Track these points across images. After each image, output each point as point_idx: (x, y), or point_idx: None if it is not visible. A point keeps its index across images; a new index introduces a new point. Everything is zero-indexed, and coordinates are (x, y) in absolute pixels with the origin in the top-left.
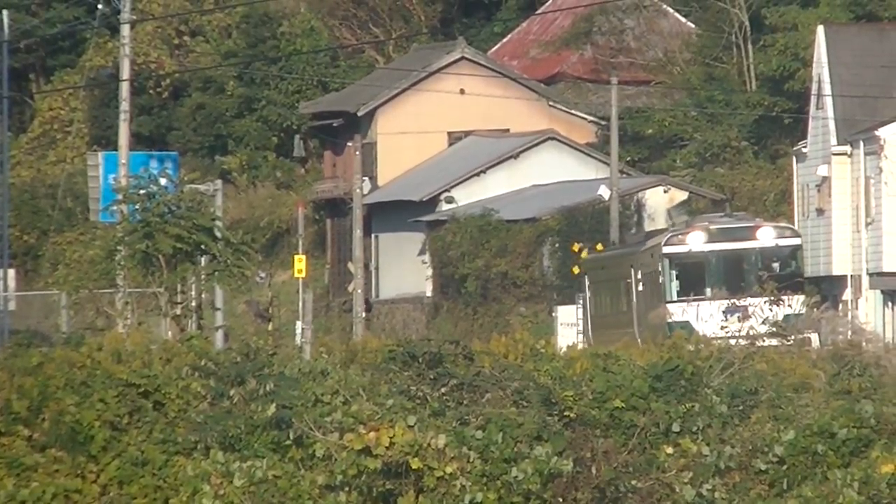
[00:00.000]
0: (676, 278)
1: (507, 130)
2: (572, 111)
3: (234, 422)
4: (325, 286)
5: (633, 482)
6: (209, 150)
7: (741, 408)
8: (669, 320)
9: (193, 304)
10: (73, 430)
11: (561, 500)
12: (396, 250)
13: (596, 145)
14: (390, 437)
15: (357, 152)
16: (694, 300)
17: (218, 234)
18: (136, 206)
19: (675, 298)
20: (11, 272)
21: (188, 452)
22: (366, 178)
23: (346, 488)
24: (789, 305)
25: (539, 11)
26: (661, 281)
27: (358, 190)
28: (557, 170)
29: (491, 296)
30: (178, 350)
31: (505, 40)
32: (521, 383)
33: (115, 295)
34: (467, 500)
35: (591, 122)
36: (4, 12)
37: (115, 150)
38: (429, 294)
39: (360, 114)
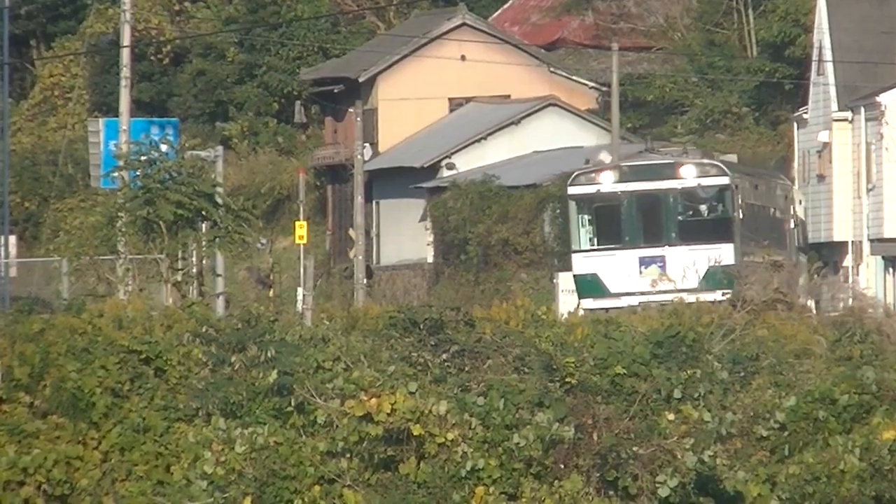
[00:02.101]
0: (582, 224)
1: (508, 97)
2: (573, 77)
3: (236, 388)
4: (325, 253)
5: (635, 448)
6: (210, 116)
7: (742, 374)
8: (575, 273)
9: (194, 270)
10: (75, 397)
11: (562, 466)
12: (397, 217)
13: (597, 111)
14: (391, 404)
15: (358, 119)
16: (604, 250)
17: (219, 201)
18: (137, 173)
19: (581, 247)
20: (12, 239)
21: (189, 419)
22: (366, 145)
23: (348, 455)
24: (716, 258)
25: None
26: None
27: (359, 156)
28: (558, 136)
29: (492, 262)
30: (179, 317)
31: (506, 6)
32: (522, 350)
33: (115, 261)
34: (468, 466)
35: (591, 88)
36: None
37: (116, 116)
38: (430, 260)
39: (360, 80)
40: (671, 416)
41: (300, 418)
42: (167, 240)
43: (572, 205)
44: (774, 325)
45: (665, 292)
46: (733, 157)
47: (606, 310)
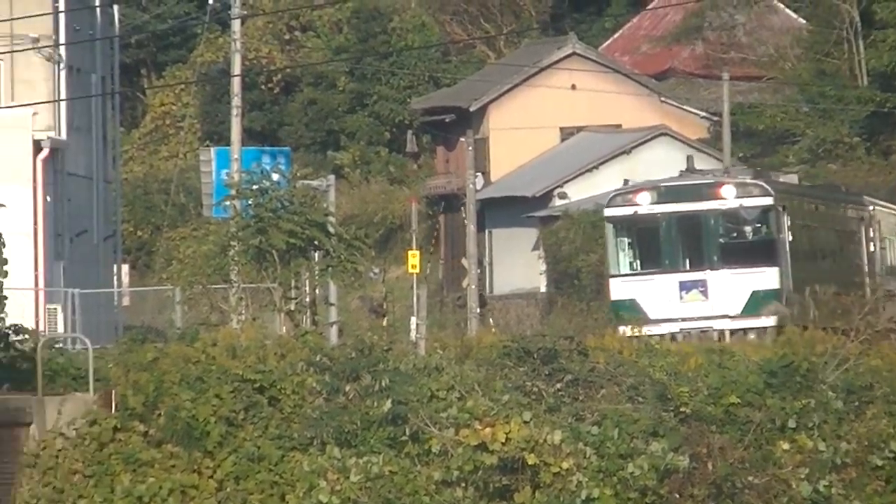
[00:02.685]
0: (620, 247)
1: (619, 126)
2: (684, 107)
3: (350, 417)
4: (438, 282)
5: (749, 478)
6: (321, 145)
7: (856, 404)
8: (613, 299)
9: (307, 299)
10: (189, 426)
11: (677, 495)
12: (510, 245)
13: (708, 141)
14: (506, 433)
15: (469, 148)
16: (642, 274)
17: (331, 230)
18: (249, 202)
19: (618, 272)
20: (125, 268)
21: (304, 448)
22: (478, 174)
23: (463, 484)
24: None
25: (650, 7)
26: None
27: (471, 185)
28: (669, 165)
29: (605, 291)
30: (292, 346)
31: (616, 35)
32: (636, 379)
33: (228, 290)
34: (583, 495)
35: (702, 117)
36: (116, 8)
37: (227, 145)
38: (542, 289)
39: (471, 109)
40: (786, 446)
41: (414, 447)
42: (280, 269)
43: (609, 227)
44: (889, 354)
45: (706, 318)
46: (793, 178)
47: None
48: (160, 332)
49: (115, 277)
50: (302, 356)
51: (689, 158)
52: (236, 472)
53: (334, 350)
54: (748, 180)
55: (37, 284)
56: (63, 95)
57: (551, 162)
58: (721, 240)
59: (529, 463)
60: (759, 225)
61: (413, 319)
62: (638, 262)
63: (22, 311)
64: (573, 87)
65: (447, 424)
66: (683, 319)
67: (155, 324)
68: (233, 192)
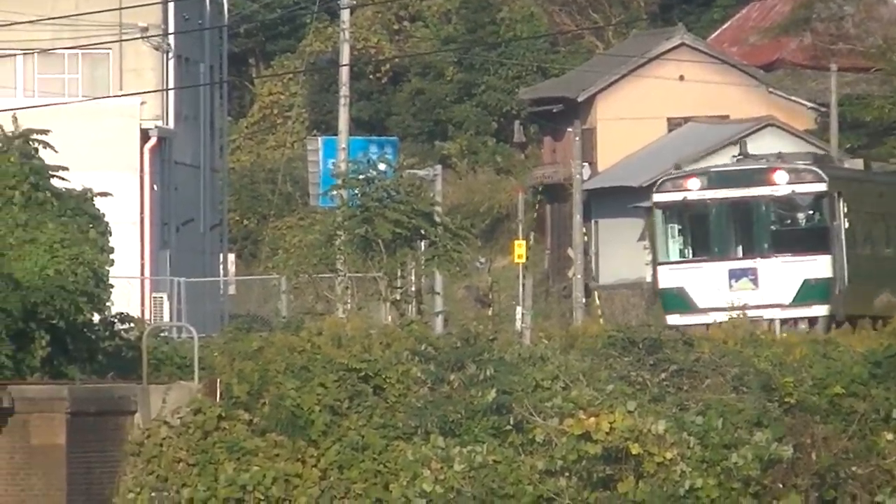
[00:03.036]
0: (669, 234)
1: (727, 117)
2: (791, 98)
3: (454, 407)
4: (544, 271)
5: (853, 468)
6: (428, 135)
7: None
8: (661, 287)
9: (413, 288)
10: (294, 415)
11: (780, 485)
12: (616, 236)
13: (815, 132)
14: (610, 423)
15: (576, 138)
16: (691, 262)
17: (437, 220)
18: (356, 191)
19: (667, 259)
20: (231, 257)
21: (408, 437)
22: (585, 164)
23: (566, 473)
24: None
25: None
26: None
27: (577, 176)
28: None
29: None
30: (397, 335)
31: (724, 27)
32: (740, 369)
33: (334, 279)
34: (687, 485)
35: (810, 108)
36: None
37: (335, 134)
38: (648, 279)
39: (579, 100)
40: (890, 436)
41: (518, 437)
42: (385, 258)
43: (657, 213)
44: None
45: (756, 307)
46: (858, 162)
47: (696, 327)
48: (265, 321)
49: (221, 266)
50: (407, 345)
51: (743, 143)
52: (340, 461)
53: (439, 339)
54: (801, 165)
55: (143, 273)
56: (171, 84)
57: (658, 152)
58: (772, 227)
59: (633, 453)
60: (811, 212)
61: (518, 309)
62: (687, 249)
63: (128, 300)
64: (681, 77)
65: (551, 414)
66: (733, 308)
67: (260, 313)
68: (339, 181)
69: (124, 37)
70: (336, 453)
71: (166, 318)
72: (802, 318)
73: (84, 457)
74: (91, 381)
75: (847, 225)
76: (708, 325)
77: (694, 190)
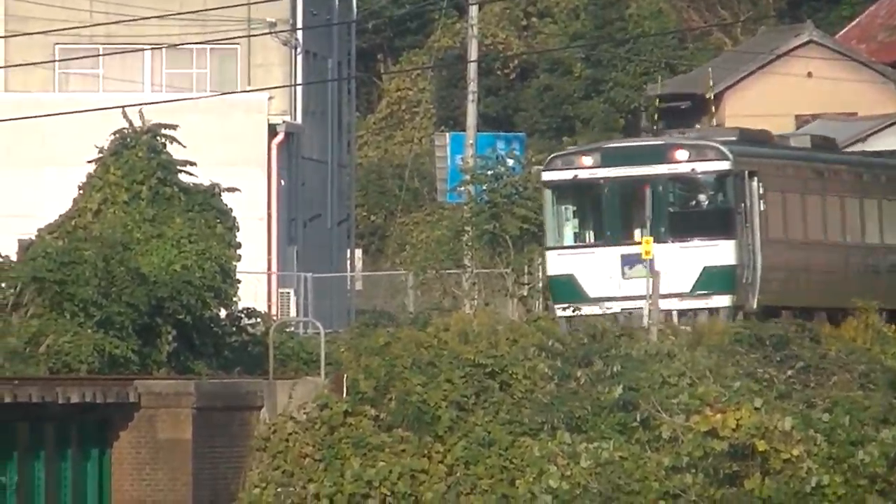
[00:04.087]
0: (558, 216)
1: (855, 114)
2: None
3: (581, 403)
4: None
5: None
6: (556, 131)
7: None
8: (549, 274)
9: (540, 284)
10: (420, 410)
11: None
12: None
13: None
14: (737, 419)
15: None
16: (581, 247)
17: None
18: (483, 187)
19: (556, 244)
20: (358, 252)
21: (534, 433)
22: None
23: (692, 470)
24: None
25: None
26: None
27: None
28: None
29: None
30: (524, 331)
31: (852, 24)
32: (867, 366)
33: (461, 275)
34: (813, 482)
35: None
36: None
37: (462, 130)
38: None
39: (708, 96)
40: None
41: (645, 433)
42: (513, 254)
43: (547, 193)
44: None
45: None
46: (805, 140)
47: (583, 317)
48: (392, 316)
49: (348, 262)
50: (534, 341)
51: (655, 116)
52: (466, 456)
53: (566, 336)
54: (702, 142)
55: (270, 268)
56: (299, 80)
57: None
58: (670, 209)
59: (759, 449)
60: (713, 193)
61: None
62: (578, 233)
63: (255, 296)
64: (809, 74)
65: (678, 411)
66: (625, 298)
67: (387, 309)
68: (467, 177)
69: (252, 32)
70: (462, 449)
71: (293, 313)
72: (702, 310)
73: (210, 452)
74: (217, 376)
75: (763, 207)
76: (602, 317)
77: (586, 167)
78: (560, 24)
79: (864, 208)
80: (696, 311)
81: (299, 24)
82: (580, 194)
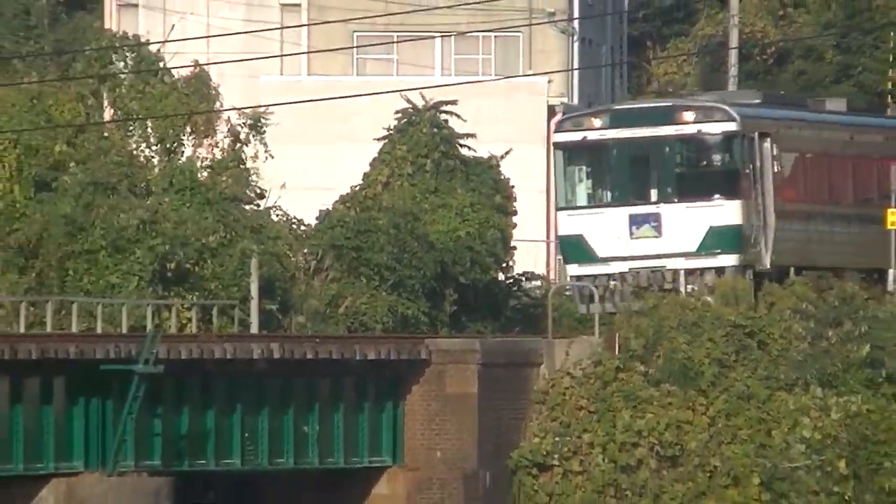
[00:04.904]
0: (568, 177)
1: None
2: None
3: (832, 360)
4: None
5: None
6: None
7: None
8: (560, 234)
9: None
10: (685, 367)
11: None
12: None
13: None
14: None
15: None
16: (591, 207)
17: None
18: None
19: (566, 204)
20: None
21: (789, 388)
22: None
23: None
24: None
25: None
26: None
27: None
28: None
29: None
30: (780, 294)
31: None
32: None
33: None
34: None
35: None
36: None
37: None
38: None
39: None
40: None
41: (890, 388)
42: None
43: (557, 154)
44: None
45: (658, 257)
46: (841, 104)
47: (595, 277)
48: None
49: None
50: (789, 304)
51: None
52: (727, 409)
53: (818, 299)
54: (709, 103)
55: (548, 237)
56: (576, 65)
57: None
58: (677, 169)
59: None
60: (720, 154)
61: (891, 272)
62: (587, 194)
63: (534, 261)
64: None
65: None
66: (633, 258)
67: None
68: None
69: (534, 21)
70: (723, 402)
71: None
72: (709, 269)
73: (493, 404)
74: (498, 335)
75: (778, 169)
76: (609, 276)
77: (594, 129)
78: (813, 14)
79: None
80: (702, 270)
81: (576, 14)
82: (589, 155)
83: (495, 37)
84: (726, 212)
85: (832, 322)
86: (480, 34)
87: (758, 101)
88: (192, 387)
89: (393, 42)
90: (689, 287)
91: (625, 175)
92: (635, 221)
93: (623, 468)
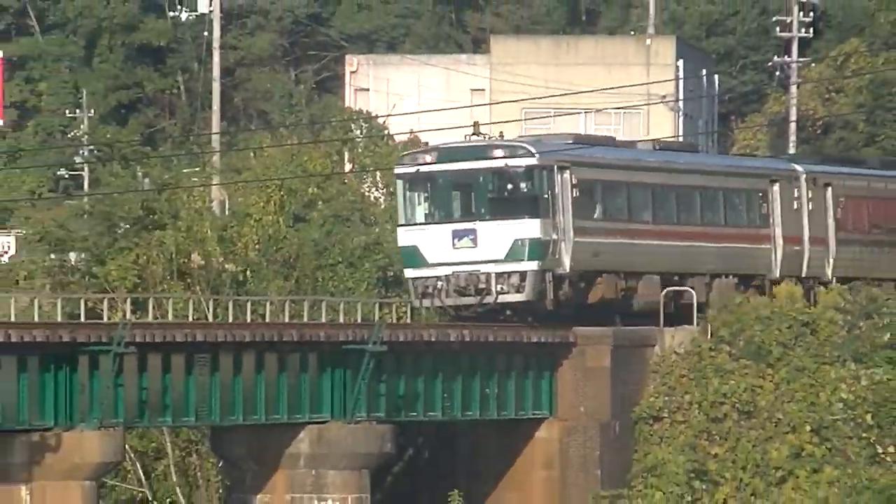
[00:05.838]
0: (407, 201)
1: None
2: None
3: (862, 343)
4: None
5: None
6: None
7: None
8: (399, 245)
9: None
10: (759, 348)
11: None
12: None
13: None
14: None
15: None
16: (422, 224)
17: None
18: None
19: (404, 222)
20: None
21: (831, 363)
22: None
23: None
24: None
25: None
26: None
27: None
28: None
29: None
30: (826, 296)
31: None
32: None
33: None
34: None
35: None
36: None
37: None
38: None
39: None
40: None
41: None
42: None
43: (398, 182)
44: None
45: (475, 263)
46: (648, 145)
47: (426, 279)
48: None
49: None
50: (832, 303)
51: (476, 125)
52: (788, 377)
53: (852, 299)
54: (515, 143)
55: None
56: (680, 133)
57: None
58: (489, 195)
59: None
60: (523, 182)
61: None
62: (421, 213)
63: None
64: None
65: None
66: (456, 263)
67: None
68: None
69: (650, 101)
70: (785, 373)
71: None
72: (514, 273)
73: (621, 375)
74: (625, 325)
75: (576, 194)
76: (437, 278)
77: (426, 163)
78: (850, 97)
79: (677, 197)
80: (509, 273)
81: (681, 96)
82: (423, 183)
83: (624, 113)
84: (528, 227)
85: (863, 315)
86: (612, 111)
87: (570, 141)
88: (406, 361)
89: (551, 116)
90: (499, 287)
91: (449, 199)
92: (457, 235)
93: (713, 419)
